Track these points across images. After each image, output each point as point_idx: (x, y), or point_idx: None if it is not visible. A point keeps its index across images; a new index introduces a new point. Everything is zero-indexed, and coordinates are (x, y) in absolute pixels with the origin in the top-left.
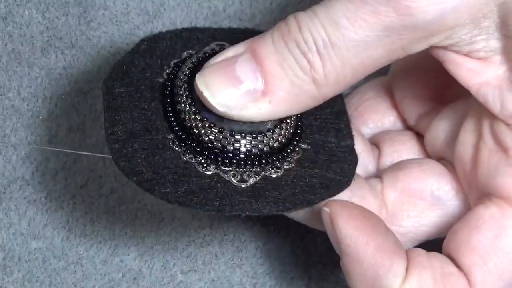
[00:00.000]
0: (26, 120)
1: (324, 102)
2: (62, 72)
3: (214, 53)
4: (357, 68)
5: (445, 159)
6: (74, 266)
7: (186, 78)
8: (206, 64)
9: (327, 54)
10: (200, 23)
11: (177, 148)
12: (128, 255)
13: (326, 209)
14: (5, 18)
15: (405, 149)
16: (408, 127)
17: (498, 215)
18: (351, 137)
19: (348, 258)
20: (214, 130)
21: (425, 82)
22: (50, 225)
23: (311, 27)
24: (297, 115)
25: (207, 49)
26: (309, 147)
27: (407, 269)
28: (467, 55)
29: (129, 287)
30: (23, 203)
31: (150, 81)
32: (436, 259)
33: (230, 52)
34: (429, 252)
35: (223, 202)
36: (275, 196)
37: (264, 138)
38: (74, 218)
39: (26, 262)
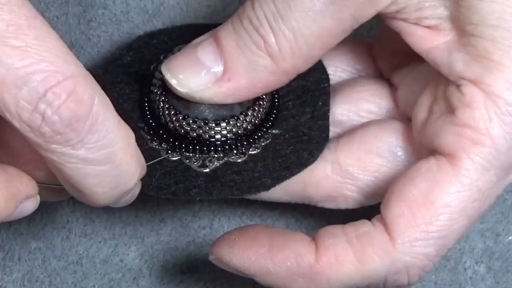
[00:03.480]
0: None
1: (305, 81)
2: None
3: None
4: (311, 40)
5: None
6: (74, 266)
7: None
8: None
9: (278, 27)
10: (199, 22)
11: (145, 135)
12: (128, 255)
13: (212, 257)
14: None
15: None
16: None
17: (435, 169)
18: (326, 117)
19: (259, 275)
20: (179, 117)
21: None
22: (50, 225)
23: (262, 2)
24: (271, 98)
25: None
26: (280, 131)
27: (319, 244)
28: (416, 23)
29: (129, 287)
30: None
31: (137, 75)
32: (349, 225)
33: (196, 40)
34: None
35: (179, 185)
36: (233, 180)
37: (236, 122)
38: (74, 218)
39: (26, 261)
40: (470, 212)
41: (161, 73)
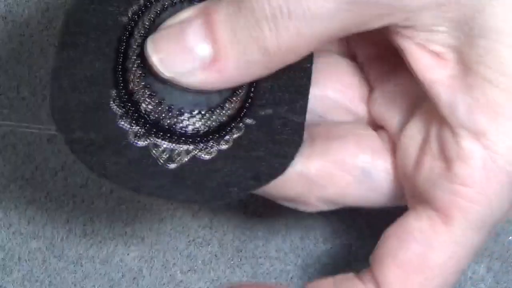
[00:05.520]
0: (25, 120)
1: (290, 69)
2: None
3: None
4: (311, 40)
5: (383, 128)
6: (74, 266)
7: (143, 31)
8: (160, 27)
9: (283, 23)
10: None
11: (116, 109)
12: (128, 255)
13: None
14: (5, 18)
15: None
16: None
17: (428, 230)
18: (303, 112)
19: None
20: (154, 101)
21: None
22: (50, 225)
23: None
24: (249, 86)
25: None
26: (254, 122)
27: None
28: (423, 46)
29: (129, 287)
30: (23, 202)
31: (114, 19)
32: (339, 280)
33: (184, 14)
34: (337, 276)
35: (143, 182)
36: (199, 183)
37: (212, 115)
38: (74, 218)
39: (26, 261)
40: (461, 268)
41: (140, 36)
